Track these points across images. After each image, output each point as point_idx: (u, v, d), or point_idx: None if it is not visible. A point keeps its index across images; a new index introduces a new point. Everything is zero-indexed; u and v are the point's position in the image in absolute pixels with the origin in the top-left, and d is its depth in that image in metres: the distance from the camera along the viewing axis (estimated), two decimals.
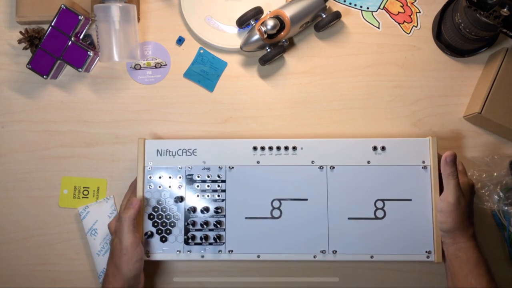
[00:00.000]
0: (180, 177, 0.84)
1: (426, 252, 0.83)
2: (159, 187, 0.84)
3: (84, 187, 0.92)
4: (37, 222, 0.92)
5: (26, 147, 0.92)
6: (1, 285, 0.91)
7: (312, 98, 0.93)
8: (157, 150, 0.85)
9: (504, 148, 0.92)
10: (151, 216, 0.84)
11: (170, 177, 0.84)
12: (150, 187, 0.84)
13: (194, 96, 0.93)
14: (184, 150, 0.85)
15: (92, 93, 0.93)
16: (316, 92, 0.93)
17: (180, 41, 0.93)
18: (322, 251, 0.83)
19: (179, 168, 0.85)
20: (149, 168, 0.84)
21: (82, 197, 0.91)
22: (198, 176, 0.84)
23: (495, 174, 0.90)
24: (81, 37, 0.91)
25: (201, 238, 0.84)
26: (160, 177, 0.84)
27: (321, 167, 0.84)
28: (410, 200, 0.83)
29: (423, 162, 0.83)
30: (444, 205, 0.79)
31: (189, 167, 0.85)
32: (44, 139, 0.92)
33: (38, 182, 0.92)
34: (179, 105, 0.93)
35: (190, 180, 0.85)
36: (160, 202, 0.84)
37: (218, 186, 0.84)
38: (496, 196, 0.89)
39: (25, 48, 0.91)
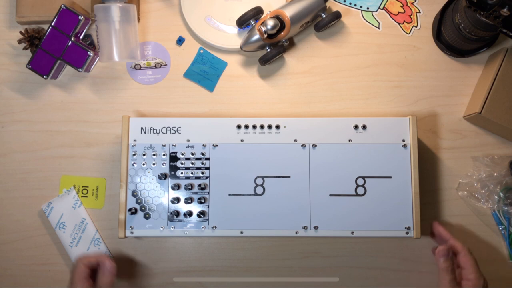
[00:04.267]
0: (164, 155, 0.86)
1: (406, 228, 0.84)
2: (143, 164, 0.85)
3: (83, 186, 0.92)
4: (37, 222, 0.92)
5: (26, 147, 0.92)
6: (1, 285, 0.91)
7: (312, 98, 0.93)
8: (141, 127, 0.86)
9: (504, 148, 0.92)
10: (135, 193, 0.85)
11: (154, 155, 0.85)
12: (134, 164, 0.85)
13: (194, 96, 0.93)
14: (168, 128, 0.86)
15: (92, 93, 0.93)
16: (316, 92, 0.93)
17: (180, 41, 0.93)
18: (304, 227, 0.84)
19: (163, 145, 0.86)
20: (133, 145, 0.86)
21: (81, 196, 0.92)
22: (182, 154, 0.86)
23: (495, 174, 0.90)
24: (81, 37, 0.91)
25: (184, 215, 0.85)
26: (144, 154, 0.85)
27: (303, 145, 0.85)
28: (390, 177, 0.85)
29: (403, 140, 0.85)
30: None
31: (173, 145, 0.86)
32: (44, 139, 0.92)
33: (38, 182, 0.92)
34: (179, 105, 0.93)
35: (174, 158, 0.86)
36: (144, 179, 0.85)
37: (202, 163, 0.85)
38: (496, 196, 0.89)
39: (25, 48, 0.91)
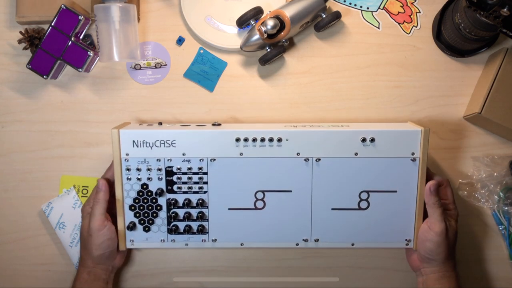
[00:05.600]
0: (159, 169, 0.82)
1: (406, 240, 0.83)
2: (138, 179, 0.82)
3: (83, 186, 0.92)
4: (37, 222, 0.92)
5: (26, 147, 0.92)
6: (1, 285, 0.91)
7: (312, 98, 0.93)
8: (133, 141, 0.81)
9: (504, 148, 0.92)
10: (133, 207, 0.83)
11: (148, 169, 0.82)
12: (129, 179, 0.82)
13: (194, 96, 0.93)
14: (162, 141, 0.81)
15: (92, 93, 0.93)
16: (316, 92, 0.93)
17: (180, 41, 0.93)
18: (304, 240, 0.84)
19: (158, 160, 0.82)
20: (126, 159, 0.81)
21: (81, 196, 0.92)
22: (179, 169, 0.82)
23: (495, 174, 0.90)
24: (81, 37, 0.91)
25: (184, 230, 0.83)
26: (138, 169, 0.82)
27: (306, 159, 0.81)
28: (395, 191, 0.82)
29: (413, 154, 0.80)
30: (433, 235, 0.79)
31: (168, 159, 0.82)
32: (44, 139, 0.92)
33: (38, 182, 0.92)
34: (179, 105, 0.93)
35: (170, 172, 0.82)
36: (141, 194, 0.83)
37: (200, 178, 0.82)
38: (496, 196, 0.89)
39: (25, 48, 0.91)
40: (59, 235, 0.90)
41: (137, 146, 0.81)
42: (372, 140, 0.80)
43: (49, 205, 0.91)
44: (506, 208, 0.89)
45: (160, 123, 0.86)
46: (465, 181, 0.91)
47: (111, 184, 0.83)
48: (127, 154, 0.81)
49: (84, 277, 0.82)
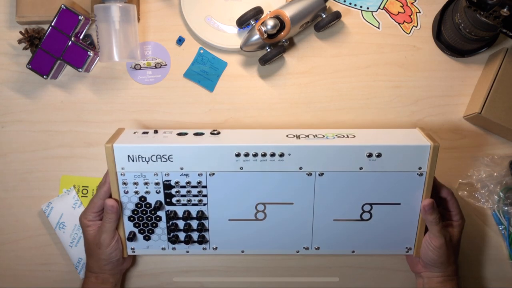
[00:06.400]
0: (157, 183, 0.80)
1: (406, 248, 0.83)
2: (136, 192, 0.81)
3: (83, 186, 0.92)
4: (37, 222, 0.92)
5: (26, 147, 0.92)
6: (1, 285, 0.91)
7: (312, 98, 0.93)
8: (128, 155, 0.78)
9: (504, 148, 0.92)
10: (132, 218, 0.82)
11: (146, 183, 0.80)
12: (126, 192, 0.80)
13: (194, 96, 0.93)
14: (159, 156, 0.78)
15: (92, 93, 0.93)
16: (316, 92, 0.93)
17: (180, 41, 0.93)
18: (305, 248, 0.84)
19: (155, 174, 0.79)
20: (122, 174, 0.79)
21: (81, 196, 0.92)
22: (177, 183, 0.80)
23: (495, 174, 0.90)
24: (81, 37, 0.91)
25: (185, 240, 0.83)
26: (135, 183, 0.80)
27: (309, 174, 0.79)
28: (399, 204, 0.81)
29: (420, 168, 0.78)
30: (433, 247, 0.80)
31: (166, 174, 0.79)
32: (44, 139, 0.92)
33: (38, 182, 0.92)
34: (179, 105, 0.93)
35: (168, 186, 0.80)
36: (139, 206, 0.81)
37: (199, 192, 0.81)
38: (496, 196, 0.89)
39: (25, 48, 0.91)
40: (59, 235, 0.90)
41: (133, 161, 0.79)
42: (379, 155, 0.78)
43: (49, 205, 0.91)
44: (506, 208, 0.89)
45: (156, 131, 0.82)
46: (465, 181, 0.91)
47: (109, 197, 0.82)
48: (122, 168, 0.79)
49: (92, 281, 0.83)
